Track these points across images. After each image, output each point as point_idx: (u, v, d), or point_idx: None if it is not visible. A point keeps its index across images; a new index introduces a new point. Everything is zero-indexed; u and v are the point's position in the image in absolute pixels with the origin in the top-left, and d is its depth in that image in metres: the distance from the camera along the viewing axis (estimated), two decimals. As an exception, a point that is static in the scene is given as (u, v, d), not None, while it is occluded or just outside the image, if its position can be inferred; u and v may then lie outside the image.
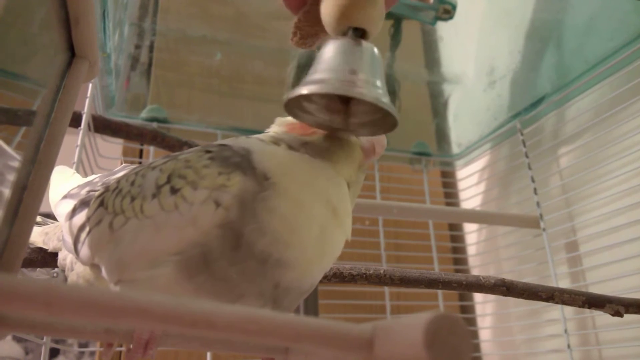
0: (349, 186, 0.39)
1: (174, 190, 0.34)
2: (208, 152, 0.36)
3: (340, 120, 0.38)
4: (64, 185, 0.46)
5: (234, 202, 0.33)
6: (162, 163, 0.37)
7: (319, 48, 0.37)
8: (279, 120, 0.42)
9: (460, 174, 1.21)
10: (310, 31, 0.39)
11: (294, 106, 0.37)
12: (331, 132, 0.39)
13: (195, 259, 0.32)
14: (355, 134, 0.40)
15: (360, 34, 0.36)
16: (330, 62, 0.34)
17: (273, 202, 0.33)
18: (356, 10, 0.35)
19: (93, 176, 0.46)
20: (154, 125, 0.94)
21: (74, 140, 0.69)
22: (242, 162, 0.35)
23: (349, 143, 0.40)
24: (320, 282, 0.39)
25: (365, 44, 0.35)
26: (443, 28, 1.04)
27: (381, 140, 0.42)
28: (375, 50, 0.36)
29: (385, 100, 0.33)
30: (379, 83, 0.35)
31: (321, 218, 0.35)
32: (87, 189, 0.42)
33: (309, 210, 0.35)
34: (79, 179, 0.48)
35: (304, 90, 0.33)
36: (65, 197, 0.43)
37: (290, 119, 0.40)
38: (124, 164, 0.48)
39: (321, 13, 0.36)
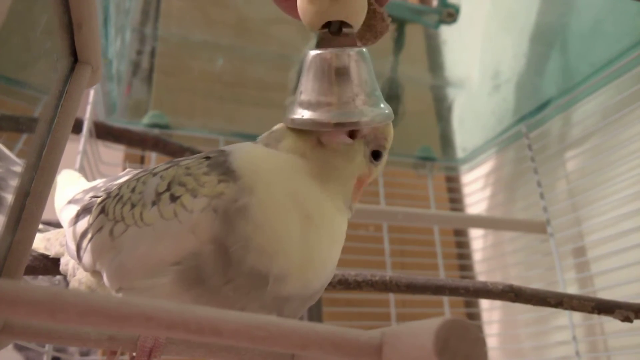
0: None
1: (173, 198, 0.33)
2: (208, 158, 0.35)
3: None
4: (69, 189, 0.46)
5: (218, 214, 0.32)
6: (163, 169, 0.36)
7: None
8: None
9: (465, 178, 1.20)
10: (361, 34, 0.37)
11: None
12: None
13: (193, 271, 0.32)
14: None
15: (337, 27, 0.33)
16: (318, 85, 0.33)
17: (249, 212, 0.32)
18: (332, 1, 0.31)
19: (98, 181, 0.46)
20: (156, 131, 0.93)
21: (75, 147, 0.69)
22: (229, 167, 0.34)
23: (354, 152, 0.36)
24: (325, 289, 0.38)
25: (349, 52, 0.33)
26: (447, 32, 1.03)
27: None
28: (363, 51, 0.34)
29: (387, 111, 0.34)
30: (376, 92, 0.34)
31: (297, 223, 0.34)
32: (90, 194, 0.41)
33: (285, 216, 0.33)
34: (85, 183, 0.47)
35: (303, 116, 0.33)
36: (69, 202, 0.43)
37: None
38: (128, 169, 0.48)
39: (298, 10, 0.33)
